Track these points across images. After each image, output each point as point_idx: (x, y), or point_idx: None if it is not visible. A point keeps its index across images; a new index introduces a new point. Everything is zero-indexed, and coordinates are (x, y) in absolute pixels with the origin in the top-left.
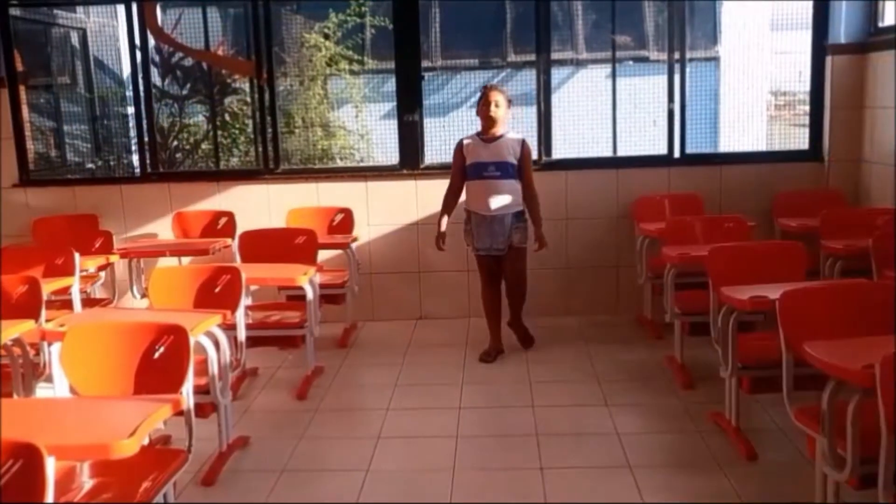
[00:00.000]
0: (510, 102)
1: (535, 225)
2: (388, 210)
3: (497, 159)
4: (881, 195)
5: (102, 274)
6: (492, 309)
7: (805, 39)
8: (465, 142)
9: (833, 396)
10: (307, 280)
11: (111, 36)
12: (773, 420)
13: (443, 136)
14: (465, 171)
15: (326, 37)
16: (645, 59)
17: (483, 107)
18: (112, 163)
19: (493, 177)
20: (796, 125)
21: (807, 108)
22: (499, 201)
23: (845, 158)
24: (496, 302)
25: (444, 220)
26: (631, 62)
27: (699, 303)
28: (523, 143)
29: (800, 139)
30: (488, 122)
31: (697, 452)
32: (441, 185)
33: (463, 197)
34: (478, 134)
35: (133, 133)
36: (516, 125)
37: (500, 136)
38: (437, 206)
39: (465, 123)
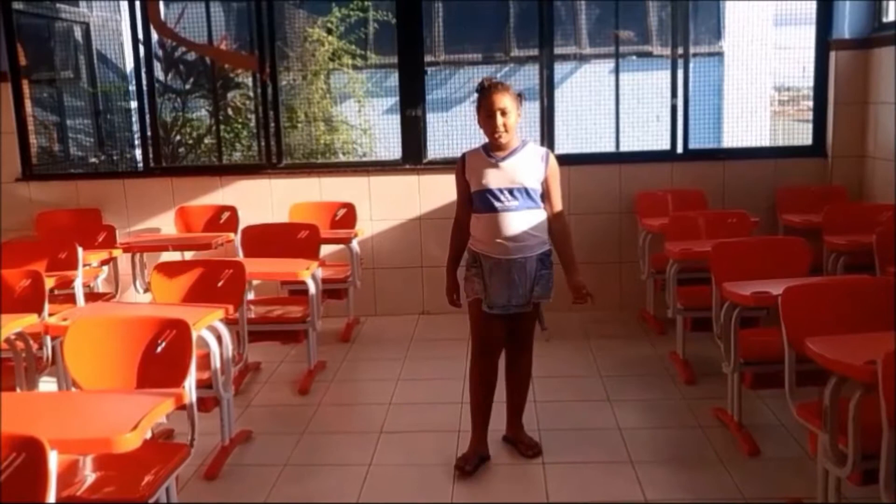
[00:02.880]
0: (521, 99)
1: (568, 271)
2: (391, 205)
3: (513, 184)
4: (884, 191)
5: (105, 268)
6: (487, 391)
7: (809, 35)
8: (469, 159)
9: (835, 392)
10: (309, 275)
11: (114, 30)
12: (775, 416)
13: (446, 131)
14: (470, 198)
15: (329, 31)
16: (648, 55)
17: (487, 119)
18: (115, 157)
19: (511, 207)
20: (800, 121)
21: (810, 103)
22: (520, 240)
23: (848, 154)
24: (493, 381)
25: (454, 267)
26: (634, 57)
27: (702, 298)
28: (548, 157)
29: (803, 135)
30: (497, 137)
31: (699, 448)
32: (444, 181)
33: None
34: (484, 148)
35: (136, 128)
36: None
37: (515, 150)
38: (439, 200)
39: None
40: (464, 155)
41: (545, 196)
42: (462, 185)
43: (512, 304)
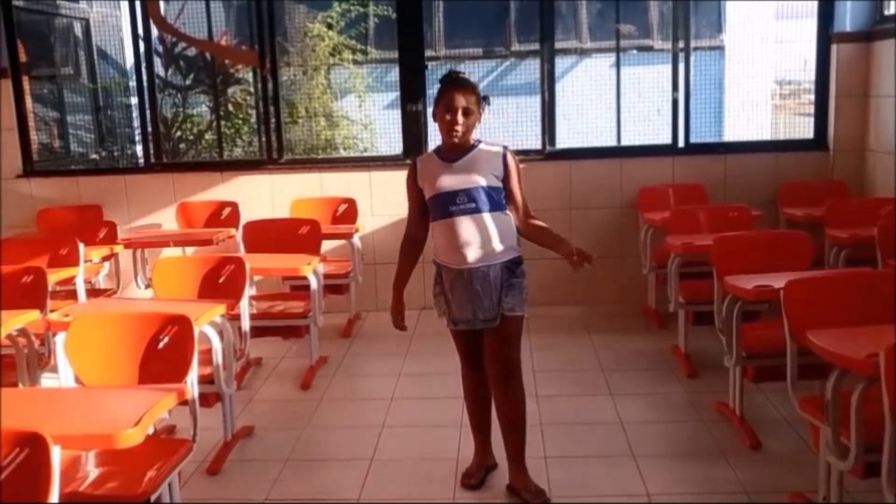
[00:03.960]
0: (484, 101)
1: (557, 246)
2: (392, 200)
3: (468, 184)
4: (886, 184)
5: (107, 264)
6: (482, 404)
7: (810, 28)
8: (421, 164)
9: (837, 385)
10: (311, 270)
11: (114, 26)
12: (777, 409)
13: None
14: (425, 207)
15: (329, 26)
16: (649, 49)
17: (444, 115)
18: (116, 153)
19: (466, 211)
20: (801, 114)
21: (812, 97)
22: (479, 247)
23: (850, 148)
24: (484, 388)
25: (402, 283)
26: (635, 51)
27: (703, 292)
28: (506, 154)
29: (804, 128)
30: (451, 136)
31: (701, 441)
32: None
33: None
34: (437, 151)
35: (136, 123)
36: (521, 116)
37: (469, 149)
38: None
39: None
40: (415, 161)
41: (508, 197)
42: (414, 193)
43: (478, 319)
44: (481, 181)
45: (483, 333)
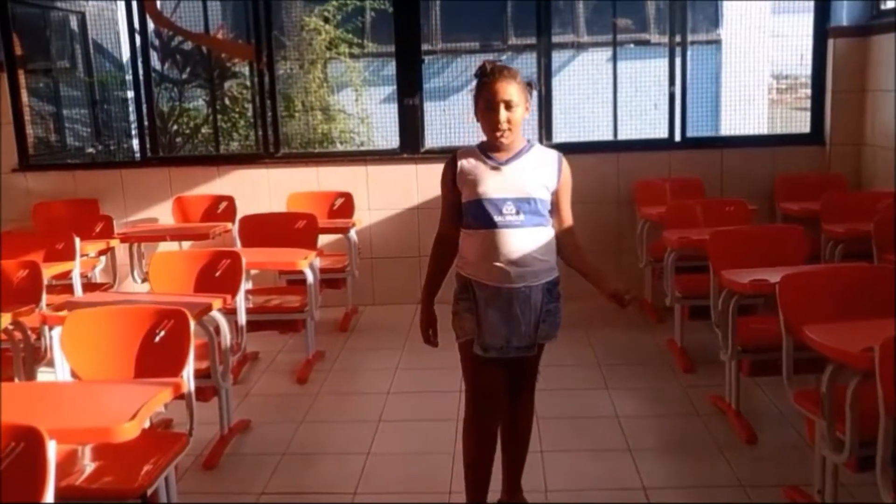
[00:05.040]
0: (531, 89)
1: (600, 282)
2: (389, 194)
3: (518, 194)
4: (882, 178)
5: (103, 258)
6: (486, 459)
7: (807, 22)
8: (462, 160)
9: (832, 379)
10: (307, 264)
11: (110, 20)
12: (773, 403)
13: (443, 120)
14: (461, 210)
15: (326, 20)
16: (646, 43)
17: (487, 112)
18: (112, 147)
19: (514, 224)
20: (798, 108)
21: (808, 91)
22: (525, 265)
23: (847, 142)
24: (494, 444)
25: (433, 293)
26: (632, 45)
27: (700, 286)
28: (561, 163)
29: (801, 123)
30: (498, 135)
31: (697, 436)
32: (442, 170)
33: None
34: (480, 148)
35: (133, 117)
36: None
37: (520, 152)
38: (437, 190)
39: (466, 108)
40: (454, 155)
41: (553, 210)
42: (451, 193)
43: (512, 346)
44: (533, 191)
45: (510, 363)
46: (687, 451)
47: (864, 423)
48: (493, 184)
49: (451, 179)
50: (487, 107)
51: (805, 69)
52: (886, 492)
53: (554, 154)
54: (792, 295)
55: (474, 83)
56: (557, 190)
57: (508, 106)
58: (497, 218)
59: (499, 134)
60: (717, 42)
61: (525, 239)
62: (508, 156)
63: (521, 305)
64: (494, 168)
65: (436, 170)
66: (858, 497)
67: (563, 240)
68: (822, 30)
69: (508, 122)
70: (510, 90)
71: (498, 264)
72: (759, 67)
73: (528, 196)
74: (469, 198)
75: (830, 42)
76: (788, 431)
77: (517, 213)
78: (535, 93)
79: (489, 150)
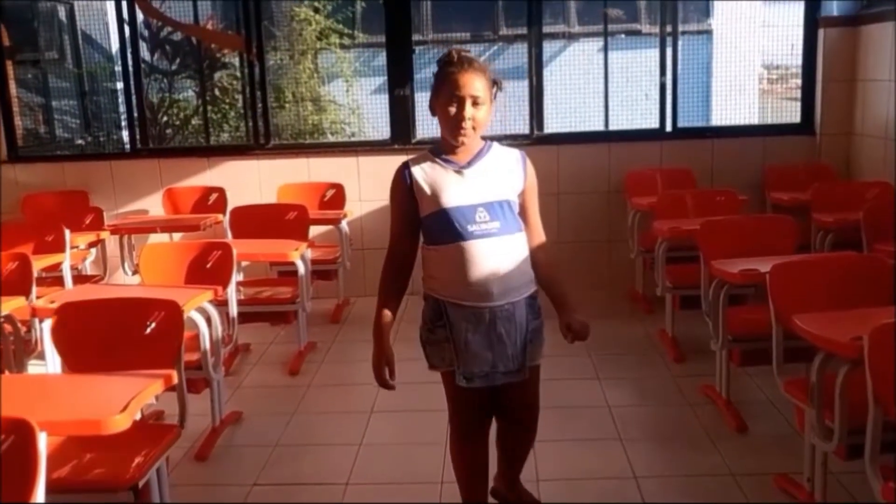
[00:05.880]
0: (497, 87)
1: (563, 309)
2: (380, 185)
3: (488, 197)
4: (872, 168)
5: (93, 250)
6: (479, 478)
7: (797, 12)
8: (416, 170)
9: (822, 368)
10: (298, 256)
11: (99, 10)
12: (763, 392)
13: None
14: (418, 225)
15: (316, 10)
16: (637, 33)
17: (448, 106)
18: (102, 139)
19: (490, 232)
20: (788, 98)
21: (799, 81)
22: (504, 280)
23: (837, 132)
24: (486, 463)
25: (387, 323)
26: (623, 35)
27: (690, 276)
28: (525, 161)
29: (792, 113)
30: (459, 134)
31: (688, 425)
32: None
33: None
34: (433, 151)
35: (122, 108)
36: (508, 101)
37: (481, 153)
38: None
39: None
40: (406, 164)
41: (522, 216)
42: (405, 207)
43: (498, 372)
44: (504, 194)
45: (505, 390)
46: (677, 441)
47: (853, 412)
48: (459, 190)
49: (406, 192)
50: (450, 101)
51: (796, 59)
52: (875, 479)
53: (516, 153)
54: (782, 284)
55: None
56: (524, 192)
57: (475, 102)
58: (470, 227)
59: (461, 132)
60: (708, 32)
61: (503, 248)
62: (468, 157)
63: (506, 325)
64: (457, 172)
65: None
66: (847, 485)
67: (537, 255)
68: (813, 19)
69: (473, 120)
70: (478, 85)
71: (477, 281)
72: (750, 58)
73: (500, 199)
74: (431, 209)
75: (821, 32)
76: (778, 420)
77: (492, 219)
78: (500, 91)
79: (445, 153)
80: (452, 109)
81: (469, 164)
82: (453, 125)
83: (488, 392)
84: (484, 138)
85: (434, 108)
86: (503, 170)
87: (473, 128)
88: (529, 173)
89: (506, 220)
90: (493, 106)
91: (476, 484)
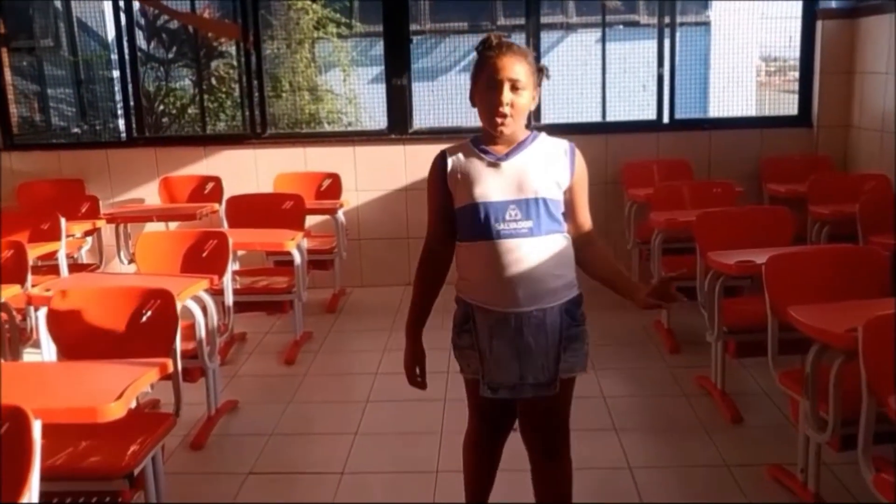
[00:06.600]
0: (542, 74)
1: (633, 293)
2: (377, 175)
3: (522, 194)
4: (869, 161)
5: (89, 239)
6: (489, 466)
7: (796, 4)
8: (452, 159)
9: (816, 360)
10: (295, 245)
11: None
12: (758, 383)
13: (431, 101)
14: (453, 218)
15: None
16: (635, 24)
17: (487, 92)
18: (98, 127)
19: (520, 232)
20: (786, 91)
21: (796, 73)
22: (534, 283)
23: (834, 124)
24: (494, 472)
25: (420, 322)
26: (621, 26)
27: (686, 268)
28: (574, 154)
29: (789, 105)
30: (500, 122)
31: (683, 416)
32: (430, 151)
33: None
34: (474, 142)
35: (119, 97)
36: None
37: (523, 144)
38: (425, 171)
39: (454, 89)
40: (443, 153)
41: (567, 213)
42: (440, 197)
43: (527, 384)
44: (542, 191)
45: (533, 405)
46: (672, 431)
47: (846, 403)
48: (492, 184)
49: (441, 181)
50: (488, 86)
51: (794, 51)
52: (868, 470)
53: (564, 144)
54: (777, 276)
55: (473, 57)
56: (571, 187)
57: (514, 87)
58: (499, 226)
59: (500, 120)
60: (707, 24)
61: (535, 250)
62: (508, 148)
63: (534, 333)
64: (492, 164)
65: (424, 151)
66: (841, 476)
67: (584, 249)
68: (811, 12)
69: (512, 106)
70: (517, 68)
71: (504, 284)
72: (748, 49)
73: (536, 196)
74: (463, 202)
75: (819, 24)
76: (773, 412)
77: (524, 218)
78: (546, 78)
79: (484, 143)
80: (491, 94)
81: (507, 155)
82: (491, 111)
83: (513, 406)
84: (531, 128)
85: (474, 98)
86: (546, 163)
87: (512, 115)
88: (578, 167)
89: (540, 219)
90: (537, 93)
91: (477, 491)
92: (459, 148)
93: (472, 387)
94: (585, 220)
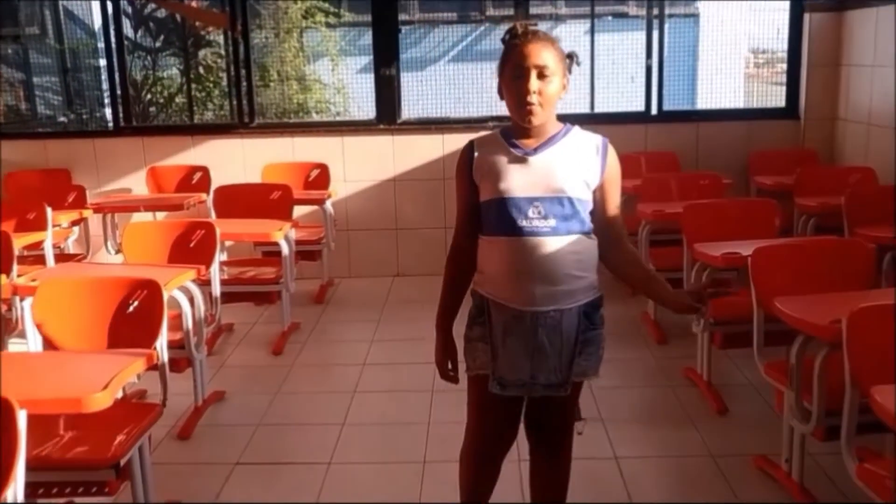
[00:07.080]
0: (571, 61)
1: (668, 300)
2: (365, 166)
3: (547, 191)
4: (855, 153)
5: (76, 229)
6: (493, 476)
7: None
8: (481, 149)
9: (801, 351)
10: (283, 236)
11: None
12: (744, 374)
13: (420, 91)
14: (479, 214)
15: None
16: (624, 15)
17: (514, 82)
18: (84, 116)
19: (542, 230)
20: (774, 83)
21: (784, 65)
22: (557, 282)
23: (821, 116)
24: (495, 477)
25: (449, 317)
26: (610, 18)
27: (673, 259)
28: (606, 150)
29: (777, 97)
30: (525, 112)
31: (669, 406)
32: (418, 142)
33: None
34: (504, 133)
35: (105, 86)
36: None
37: (554, 138)
38: (414, 162)
39: (443, 79)
40: (471, 144)
41: (596, 211)
42: (467, 193)
43: (538, 383)
44: (569, 189)
45: (534, 404)
46: (659, 422)
47: (830, 394)
48: (518, 179)
49: (467, 173)
50: (515, 75)
51: (782, 43)
52: (851, 460)
53: (597, 140)
54: (763, 268)
55: (501, 50)
56: (602, 186)
57: (542, 74)
58: (521, 222)
59: (527, 109)
60: (695, 15)
61: (556, 250)
62: (538, 142)
63: (549, 334)
64: (520, 159)
65: (412, 141)
66: (825, 466)
67: (611, 250)
68: (799, 4)
69: (540, 94)
70: (545, 55)
71: (522, 281)
72: (737, 41)
73: (562, 195)
74: (489, 196)
75: (806, 17)
76: (758, 402)
77: (547, 216)
78: (576, 65)
79: (514, 135)
80: (518, 83)
81: (536, 150)
82: (519, 101)
83: (520, 405)
84: (563, 120)
85: (500, 90)
86: (576, 160)
87: (541, 104)
88: (610, 164)
89: (564, 218)
90: (566, 82)
91: (491, 478)
92: (488, 139)
93: (476, 384)
94: (615, 220)
